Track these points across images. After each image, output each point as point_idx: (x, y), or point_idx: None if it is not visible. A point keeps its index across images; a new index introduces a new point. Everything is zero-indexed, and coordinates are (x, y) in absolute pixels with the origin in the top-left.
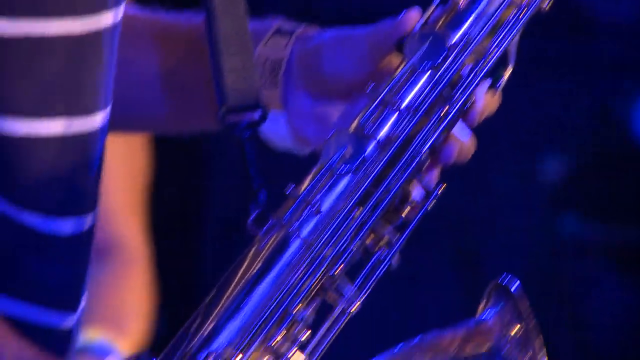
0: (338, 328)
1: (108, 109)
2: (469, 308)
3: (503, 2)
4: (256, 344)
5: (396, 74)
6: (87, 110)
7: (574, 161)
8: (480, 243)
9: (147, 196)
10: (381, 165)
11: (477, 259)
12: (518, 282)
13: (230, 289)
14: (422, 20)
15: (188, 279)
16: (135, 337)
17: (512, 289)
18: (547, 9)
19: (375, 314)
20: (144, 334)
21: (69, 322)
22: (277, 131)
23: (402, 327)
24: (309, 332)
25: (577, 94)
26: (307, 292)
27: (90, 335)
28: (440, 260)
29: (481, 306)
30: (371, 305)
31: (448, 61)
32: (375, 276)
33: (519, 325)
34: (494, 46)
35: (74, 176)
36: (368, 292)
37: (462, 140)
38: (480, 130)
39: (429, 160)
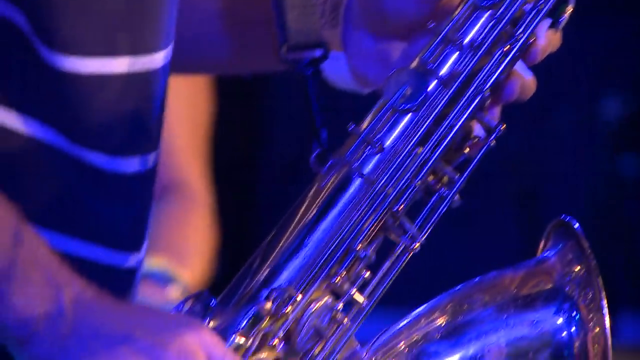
0: (399, 266)
1: (170, 48)
2: (528, 249)
3: None
4: (318, 282)
5: (457, 11)
6: (150, 48)
7: (634, 102)
8: (540, 184)
9: (208, 137)
10: (443, 103)
11: (536, 200)
12: (577, 223)
13: (292, 227)
14: None
15: (248, 221)
16: (195, 273)
17: (573, 229)
18: None
19: (436, 254)
20: (204, 272)
21: (132, 261)
22: (337, 71)
23: (461, 268)
24: (369, 272)
25: (638, 35)
26: (369, 230)
27: (152, 263)
28: (500, 202)
29: (541, 246)
30: (431, 246)
31: None
32: (436, 215)
33: (579, 265)
34: None
35: (137, 115)
36: (429, 230)
37: (525, 77)
38: (541, 72)
39: (490, 98)
